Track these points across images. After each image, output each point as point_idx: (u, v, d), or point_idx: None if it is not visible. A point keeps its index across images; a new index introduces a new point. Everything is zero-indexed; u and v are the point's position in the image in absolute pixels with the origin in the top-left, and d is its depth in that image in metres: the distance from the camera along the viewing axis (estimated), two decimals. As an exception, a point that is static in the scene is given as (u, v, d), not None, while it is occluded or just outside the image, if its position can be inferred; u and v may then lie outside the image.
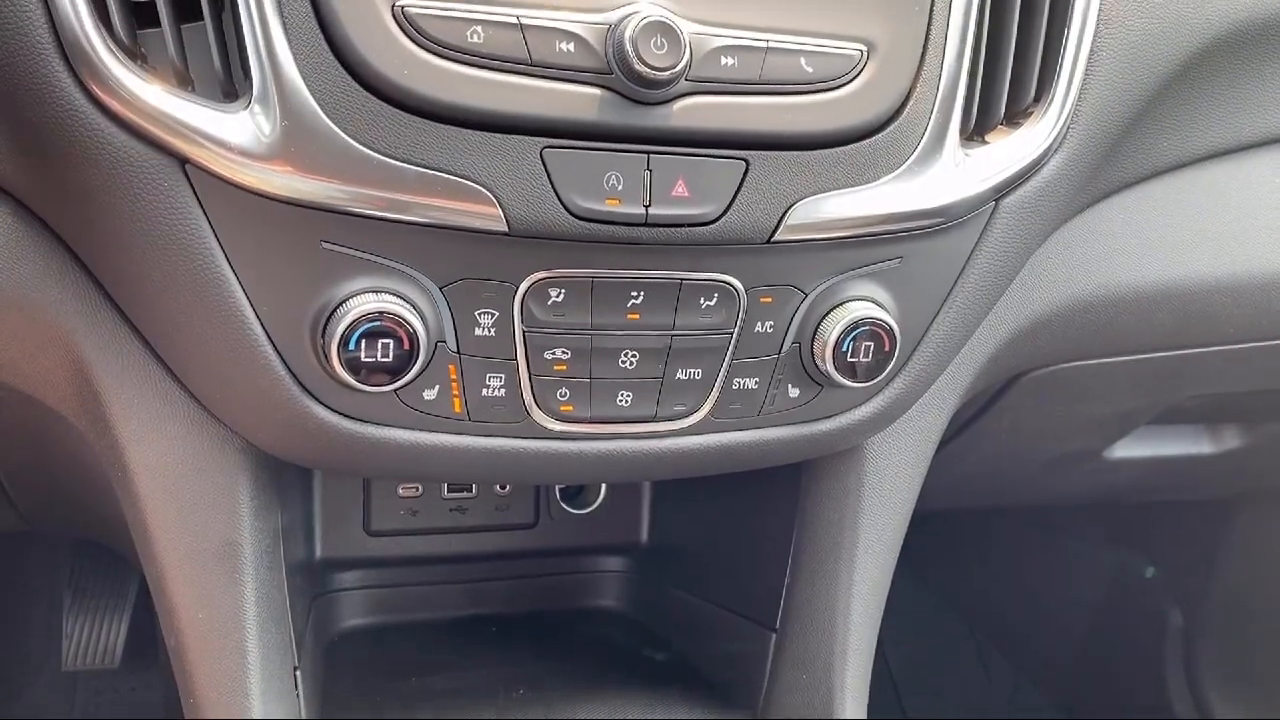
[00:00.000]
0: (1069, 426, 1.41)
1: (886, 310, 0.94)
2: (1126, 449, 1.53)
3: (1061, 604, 2.39)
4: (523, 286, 0.86)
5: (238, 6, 0.78)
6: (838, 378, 0.94)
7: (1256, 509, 2.01)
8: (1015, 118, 0.98)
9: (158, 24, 0.79)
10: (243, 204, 0.80)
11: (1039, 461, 1.54)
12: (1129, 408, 1.38)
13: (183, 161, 0.79)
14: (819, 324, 0.94)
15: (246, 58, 0.78)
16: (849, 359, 0.94)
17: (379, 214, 0.80)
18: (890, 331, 0.94)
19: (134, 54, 0.78)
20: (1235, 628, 2.12)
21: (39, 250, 0.87)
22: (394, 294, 0.83)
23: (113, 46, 0.77)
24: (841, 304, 0.94)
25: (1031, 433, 1.40)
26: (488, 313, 0.86)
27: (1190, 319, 1.19)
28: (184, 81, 0.79)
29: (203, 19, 0.80)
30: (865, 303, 0.94)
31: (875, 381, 0.96)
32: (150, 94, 0.77)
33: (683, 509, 1.42)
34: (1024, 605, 2.49)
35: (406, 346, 0.83)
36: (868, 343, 0.94)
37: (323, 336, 0.83)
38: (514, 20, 0.80)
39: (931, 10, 0.91)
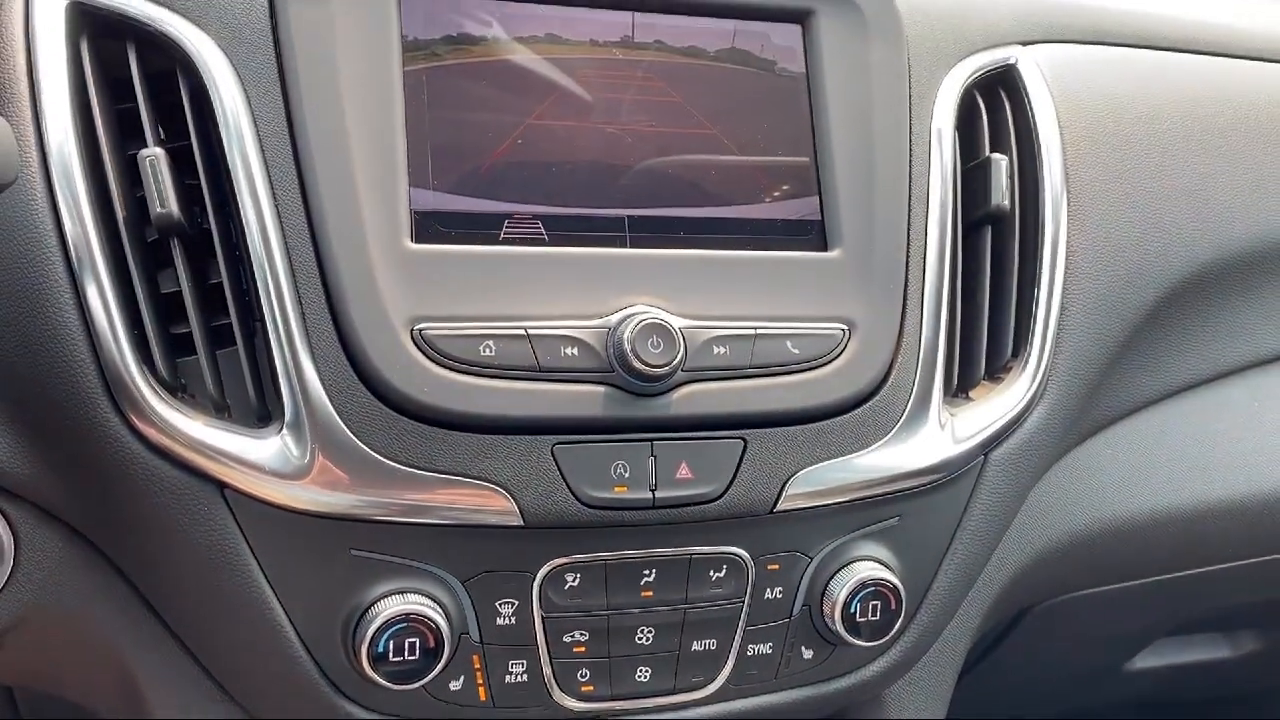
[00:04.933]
0: (1084, 648, 1.43)
1: (890, 569, 0.98)
2: (1146, 660, 1.53)
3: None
4: (540, 574, 0.90)
5: (269, 336, 0.85)
6: (848, 638, 0.97)
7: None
8: (996, 373, 1.05)
9: (194, 352, 0.87)
10: (277, 520, 0.85)
11: (1059, 680, 1.54)
12: (1141, 627, 1.40)
13: (221, 486, 0.85)
14: (826, 585, 0.97)
15: (277, 382, 0.85)
16: (857, 619, 0.97)
17: (404, 520, 0.85)
18: (895, 591, 0.97)
19: (174, 388, 0.85)
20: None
21: (88, 569, 0.91)
22: (419, 593, 0.88)
23: (154, 383, 0.84)
24: (847, 565, 0.98)
25: (1048, 657, 1.42)
26: (508, 602, 0.90)
27: (1188, 543, 1.23)
28: (221, 409, 0.86)
29: (236, 344, 0.87)
30: (869, 563, 0.98)
31: (884, 640, 0.99)
32: (190, 426, 0.84)
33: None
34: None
35: (432, 644, 0.87)
36: (875, 602, 0.97)
37: (353, 639, 0.87)
38: (522, 332, 0.87)
39: (905, 286, 0.98)
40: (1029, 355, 1.05)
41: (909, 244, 0.99)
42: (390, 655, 0.86)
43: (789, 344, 0.93)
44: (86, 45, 0.88)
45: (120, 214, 0.86)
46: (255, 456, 0.84)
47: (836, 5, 1.01)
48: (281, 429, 0.84)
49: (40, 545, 0.89)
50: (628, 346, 0.86)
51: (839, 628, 0.97)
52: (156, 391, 0.84)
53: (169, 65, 0.89)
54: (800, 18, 1.00)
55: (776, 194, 0.97)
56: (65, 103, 0.85)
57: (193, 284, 0.87)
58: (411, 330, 0.85)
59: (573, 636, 0.93)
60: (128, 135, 0.89)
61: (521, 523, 0.87)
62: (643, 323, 0.87)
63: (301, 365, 0.84)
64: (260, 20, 0.89)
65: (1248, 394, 1.25)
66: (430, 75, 0.90)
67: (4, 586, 0.88)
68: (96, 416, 0.84)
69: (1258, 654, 1.60)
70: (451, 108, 0.91)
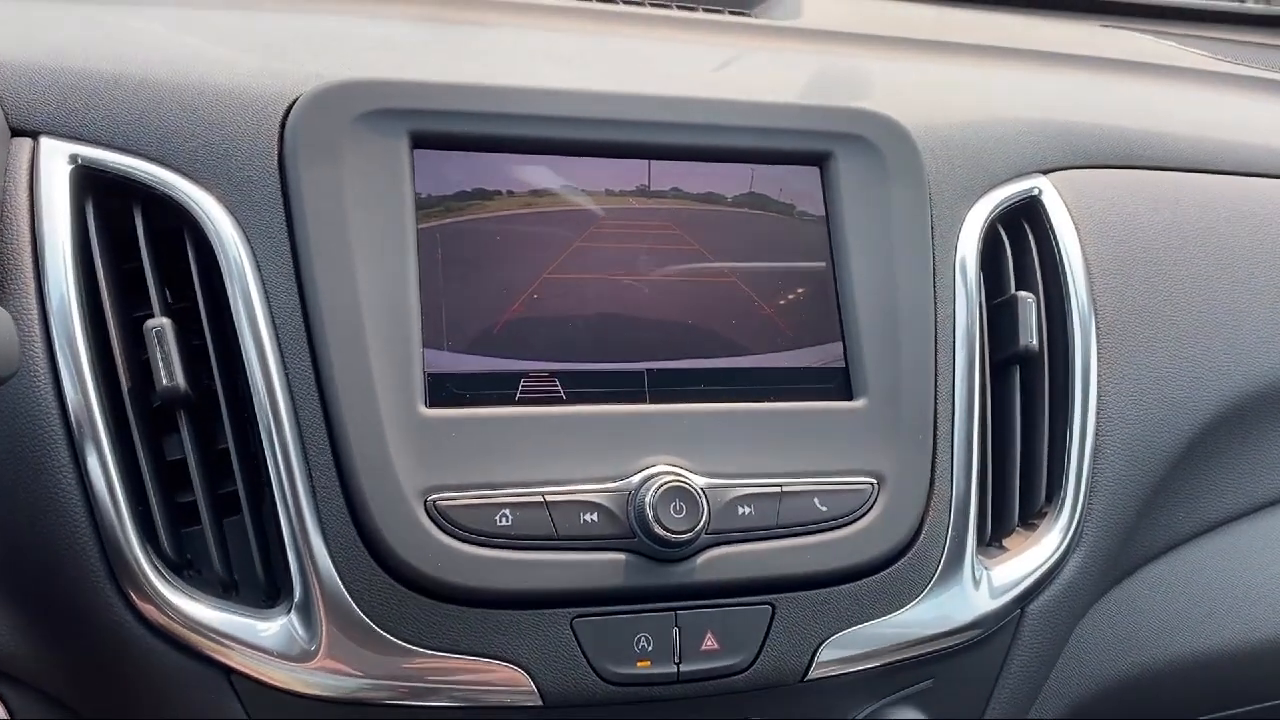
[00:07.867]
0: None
1: None
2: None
3: None
4: None
5: (276, 509, 0.82)
6: (885, 810, 0.93)
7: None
8: (1029, 519, 1.01)
9: (199, 521, 0.83)
10: (286, 704, 0.81)
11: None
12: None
13: (227, 671, 0.81)
14: None
15: (285, 555, 0.82)
16: (894, 790, 0.93)
17: (417, 704, 0.81)
18: (932, 758, 0.93)
19: (178, 565, 0.82)
20: None
21: None
22: None
23: (156, 560, 0.81)
24: None
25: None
26: None
27: (1233, 682, 1.18)
28: (228, 588, 0.82)
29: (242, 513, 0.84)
30: (904, 728, 0.94)
31: None
32: (195, 609, 0.80)
33: None
34: None
35: None
36: (911, 770, 0.93)
37: None
38: (539, 499, 0.83)
39: (935, 437, 0.95)
40: (1063, 501, 1.01)
41: (936, 389, 0.96)
42: None
43: (816, 501, 0.89)
44: (91, 207, 0.85)
45: (125, 383, 0.83)
46: (262, 639, 0.80)
47: (855, 146, 0.98)
48: (290, 609, 0.81)
49: None
50: (649, 512, 0.83)
51: (876, 799, 0.93)
52: (159, 570, 0.81)
53: (176, 224, 0.87)
54: (818, 160, 0.98)
55: (799, 342, 0.94)
56: (69, 269, 0.82)
57: (199, 453, 0.84)
58: (425, 501, 0.82)
59: None
60: (132, 294, 0.86)
61: (541, 703, 0.83)
62: (665, 486, 0.84)
63: (310, 541, 0.81)
64: (269, 180, 0.86)
65: (1287, 526, 1.21)
66: (444, 232, 0.88)
67: (0, 776, 0.85)
68: (98, 597, 0.80)
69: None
70: (466, 264, 0.88)
